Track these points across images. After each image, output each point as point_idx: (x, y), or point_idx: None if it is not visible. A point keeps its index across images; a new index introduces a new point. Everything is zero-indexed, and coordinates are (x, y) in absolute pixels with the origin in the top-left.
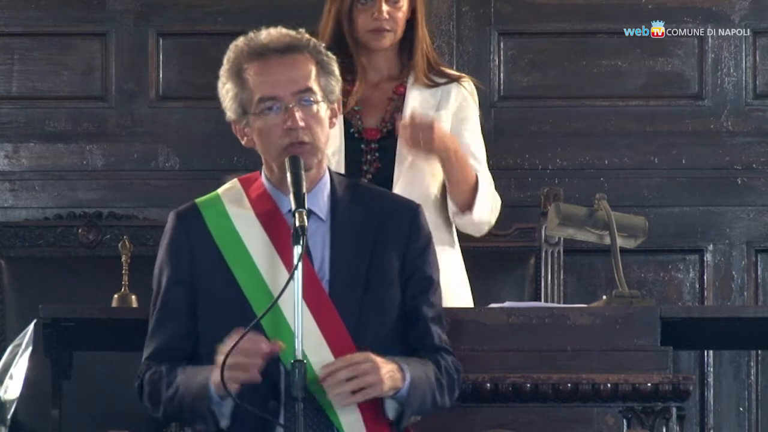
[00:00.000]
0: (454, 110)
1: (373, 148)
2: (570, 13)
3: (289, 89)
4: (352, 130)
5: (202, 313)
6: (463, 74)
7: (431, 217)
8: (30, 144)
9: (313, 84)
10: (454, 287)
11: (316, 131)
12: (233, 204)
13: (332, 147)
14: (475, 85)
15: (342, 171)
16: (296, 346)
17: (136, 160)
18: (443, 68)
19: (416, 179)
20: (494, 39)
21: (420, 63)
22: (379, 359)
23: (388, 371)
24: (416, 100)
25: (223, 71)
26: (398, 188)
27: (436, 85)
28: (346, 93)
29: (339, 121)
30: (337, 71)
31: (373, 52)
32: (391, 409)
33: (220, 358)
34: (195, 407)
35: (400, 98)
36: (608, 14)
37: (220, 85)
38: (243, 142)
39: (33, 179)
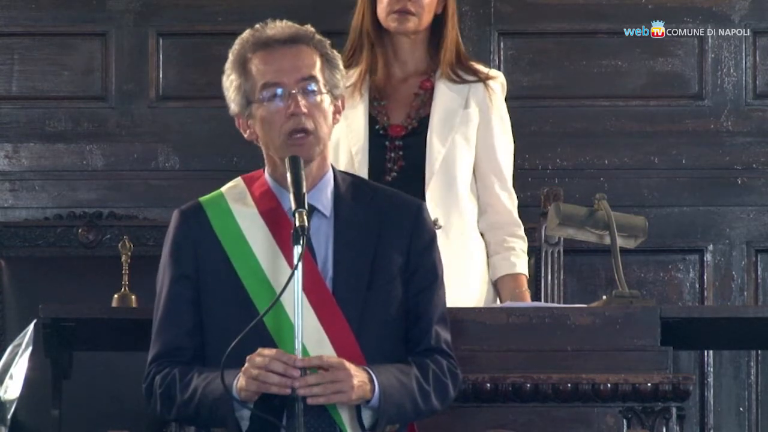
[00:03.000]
0: (481, 116)
1: (397, 146)
2: (570, 13)
3: (293, 76)
4: (377, 126)
5: (206, 311)
6: (492, 71)
7: (464, 217)
8: (30, 144)
9: (318, 74)
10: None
11: (319, 120)
12: (237, 202)
13: (356, 145)
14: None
15: (366, 169)
16: (296, 346)
17: (136, 160)
18: (473, 64)
19: (447, 181)
20: (494, 39)
21: (449, 56)
22: (352, 367)
23: (359, 381)
24: (444, 96)
25: (228, 63)
26: (432, 189)
27: (464, 81)
28: (375, 87)
29: (364, 119)
30: (341, 66)
31: (399, 44)
32: (366, 417)
33: (254, 371)
34: (215, 411)
35: (426, 93)
36: (608, 14)
37: (224, 77)
38: (246, 136)
39: (33, 179)
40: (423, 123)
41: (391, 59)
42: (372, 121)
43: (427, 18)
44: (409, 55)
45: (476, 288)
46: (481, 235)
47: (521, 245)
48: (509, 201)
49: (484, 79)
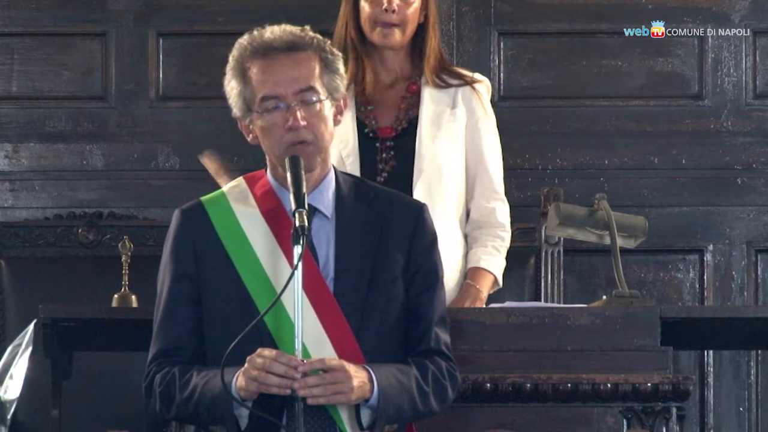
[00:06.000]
0: (468, 117)
1: (388, 146)
2: (570, 13)
3: (291, 88)
4: (366, 130)
5: (206, 310)
6: (476, 75)
7: (448, 216)
8: (30, 144)
9: (316, 82)
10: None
11: (319, 130)
12: (238, 202)
13: (346, 148)
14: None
15: (357, 171)
16: (296, 346)
17: (136, 160)
18: (456, 68)
19: (434, 179)
20: (494, 39)
21: (431, 63)
22: (352, 368)
23: (358, 381)
24: (432, 97)
25: (228, 68)
26: (419, 188)
27: (450, 86)
28: (359, 95)
29: (352, 124)
30: (341, 68)
31: (384, 54)
32: (365, 417)
33: (253, 372)
34: (214, 409)
35: (413, 96)
36: (608, 14)
37: (225, 82)
38: (248, 139)
39: (33, 179)
40: (412, 124)
41: (377, 67)
42: (360, 125)
43: (411, 29)
44: (395, 63)
45: (449, 289)
46: (465, 236)
47: (496, 243)
48: (496, 203)
49: (470, 83)
